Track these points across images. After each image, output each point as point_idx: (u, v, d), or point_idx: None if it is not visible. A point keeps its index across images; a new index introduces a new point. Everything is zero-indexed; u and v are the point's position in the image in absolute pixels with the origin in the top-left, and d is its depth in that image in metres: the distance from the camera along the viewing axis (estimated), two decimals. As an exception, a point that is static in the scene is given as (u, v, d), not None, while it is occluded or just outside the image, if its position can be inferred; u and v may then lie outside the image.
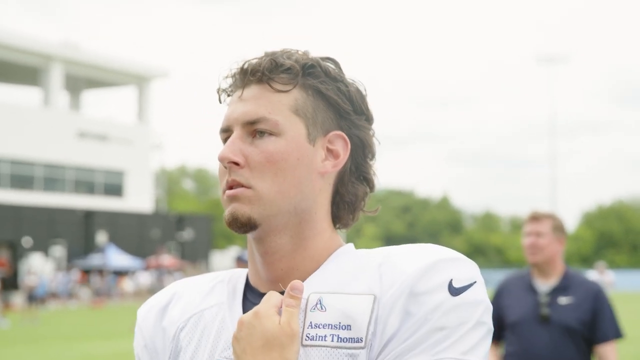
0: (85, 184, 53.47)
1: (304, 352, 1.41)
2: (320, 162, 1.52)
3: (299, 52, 1.56)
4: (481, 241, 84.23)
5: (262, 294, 1.48)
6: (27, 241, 46.03)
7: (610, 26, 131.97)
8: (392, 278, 1.41)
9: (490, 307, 1.44)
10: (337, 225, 1.57)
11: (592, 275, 24.31)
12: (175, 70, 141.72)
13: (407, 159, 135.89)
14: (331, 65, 1.56)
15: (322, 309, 1.43)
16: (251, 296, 1.54)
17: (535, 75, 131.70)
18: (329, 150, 1.53)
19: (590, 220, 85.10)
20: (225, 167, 1.50)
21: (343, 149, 1.53)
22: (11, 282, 30.41)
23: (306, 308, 1.44)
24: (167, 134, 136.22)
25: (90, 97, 68.63)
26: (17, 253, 45.52)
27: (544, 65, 55.70)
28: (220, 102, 1.60)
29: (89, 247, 49.73)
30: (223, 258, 56.87)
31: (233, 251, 56.43)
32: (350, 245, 1.56)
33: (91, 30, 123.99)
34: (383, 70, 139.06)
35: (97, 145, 53.20)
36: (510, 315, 4.62)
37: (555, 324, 4.48)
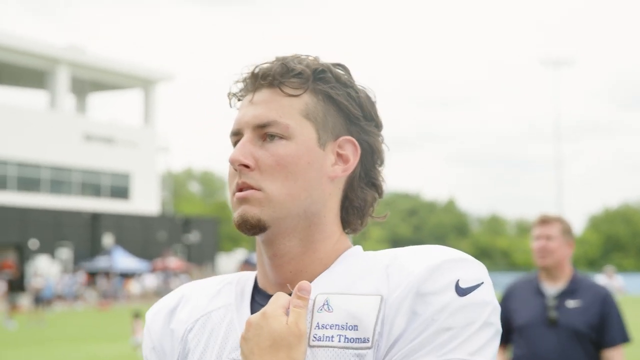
0: (91, 187, 53.56)
1: (311, 352, 1.41)
2: (330, 166, 1.53)
3: (310, 58, 1.57)
4: (487, 244, 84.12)
5: (270, 296, 1.49)
6: (33, 243, 46.13)
7: (614, 28, 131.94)
8: (399, 279, 1.42)
9: (499, 308, 1.44)
10: (346, 230, 1.58)
11: (601, 279, 24.23)
12: (181, 73, 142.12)
13: (413, 161, 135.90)
14: (341, 71, 1.57)
15: (329, 309, 1.43)
16: (259, 298, 1.55)
17: (540, 76, 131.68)
18: (339, 155, 1.54)
19: (597, 223, 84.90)
20: (236, 170, 1.51)
21: (353, 154, 1.54)
22: (18, 284, 30.45)
23: (313, 309, 1.44)
24: (173, 137, 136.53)
25: (96, 100, 68.93)
26: (23, 255, 45.62)
27: (548, 67, 55.58)
28: (231, 107, 1.61)
29: (95, 249, 49.81)
30: (229, 261, 56.91)
31: (240, 254, 56.53)
32: (358, 247, 1.57)
33: (97, 33, 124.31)
34: (388, 71, 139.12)
35: (103, 147, 53.30)
36: (517, 318, 4.61)
37: (563, 327, 4.48)
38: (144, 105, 58.56)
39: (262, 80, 1.54)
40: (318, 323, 1.43)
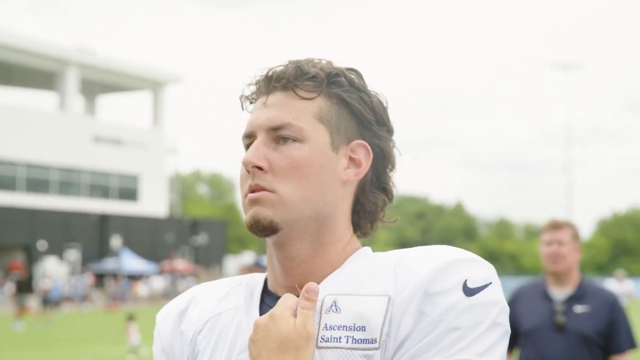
0: (100, 188, 53.67)
1: (319, 353, 1.41)
2: (343, 170, 1.53)
3: (323, 61, 1.57)
4: (495, 248, 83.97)
5: (279, 298, 1.48)
6: (42, 245, 46.24)
7: (624, 34, 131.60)
8: (406, 279, 1.41)
9: (507, 309, 1.43)
10: (357, 234, 1.58)
11: (611, 283, 24.13)
12: (190, 75, 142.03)
13: (421, 164, 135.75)
14: (355, 76, 1.57)
15: (337, 310, 1.43)
16: (268, 300, 1.55)
17: (550, 81, 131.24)
18: (351, 159, 1.54)
19: (606, 228, 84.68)
20: (248, 172, 1.51)
21: (365, 158, 1.54)
22: (26, 286, 30.49)
23: (321, 310, 1.44)
24: (182, 139, 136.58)
25: (106, 102, 68.96)
26: (32, 256, 45.73)
27: (559, 72, 55.51)
28: (243, 109, 1.61)
29: (104, 251, 49.90)
30: (237, 263, 56.93)
31: (244, 258, 56.57)
32: (367, 248, 1.57)
33: (107, 35, 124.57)
34: (397, 76, 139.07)
35: (112, 149, 53.41)
36: (525, 323, 4.61)
37: (571, 332, 4.47)
38: (153, 107, 58.67)
39: (276, 82, 1.54)
40: (326, 324, 1.43)
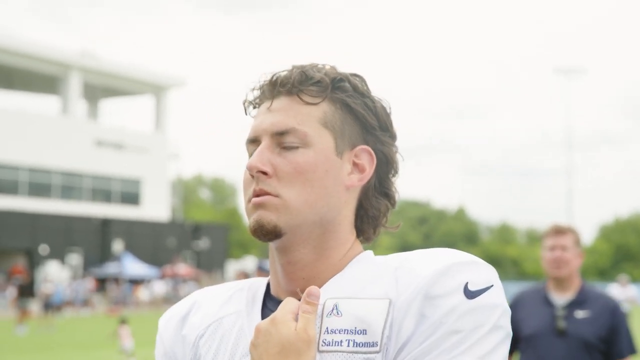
0: (102, 192, 53.68)
1: (321, 357, 1.42)
2: (347, 175, 1.53)
3: (327, 66, 1.58)
4: (497, 253, 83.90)
5: (281, 302, 1.48)
6: (43, 249, 46.24)
7: (627, 39, 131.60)
8: (407, 281, 1.42)
9: (509, 312, 1.43)
10: (360, 239, 1.59)
11: (614, 288, 24.10)
12: (193, 79, 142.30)
13: (423, 169, 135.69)
14: (359, 81, 1.58)
15: (338, 314, 1.43)
16: (270, 304, 1.55)
17: (552, 86, 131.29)
18: (355, 164, 1.55)
19: (607, 233, 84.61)
20: (253, 177, 1.51)
21: (369, 164, 1.55)
22: (28, 290, 30.50)
23: (322, 314, 1.45)
24: (184, 143, 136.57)
25: (108, 106, 68.96)
26: (33, 261, 45.73)
27: (561, 77, 55.51)
28: (246, 114, 1.61)
29: (105, 255, 49.89)
30: (239, 267, 56.87)
31: (249, 261, 56.50)
32: (369, 252, 1.57)
33: (109, 39, 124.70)
34: (400, 81, 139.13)
35: (114, 153, 53.43)
36: (525, 328, 4.60)
37: (572, 337, 4.47)
38: (155, 112, 58.70)
39: (280, 87, 1.54)
40: (327, 328, 1.43)
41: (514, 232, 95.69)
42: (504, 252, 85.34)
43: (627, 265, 77.85)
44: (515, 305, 4.73)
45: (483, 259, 1.48)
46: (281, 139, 1.51)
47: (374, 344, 1.39)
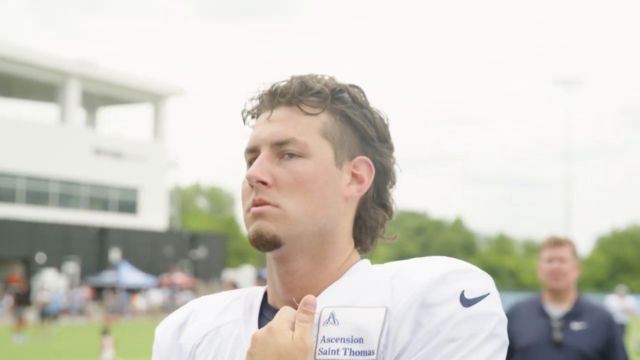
0: (99, 201, 53.66)
1: (317, 366, 1.42)
2: (346, 186, 1.54)
3: (326, 77, 1.58)
4: (495, 264, 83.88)
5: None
6: (41, 257, 46.18)
7: (625, 50, 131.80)
8: (403, 290, 1.42)
9: (505, 320, 1.43)
10: (357, 249, 1.59)
11: (612, 299, 24.10)
12: (191, 88, 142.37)
13: (421, 180, 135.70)
14: (357, 92, 1.58)
15: (334, 323, 1.43)
16: (267, 313, 1.56)
17: (550, 96, 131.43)
18: (354, 175, 1.55)
19: (605, 244, 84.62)
20: (252, 186, 1.51)
21: (368, 175, 1.56)
22: (24, 298, 30.47)
23: (319, 322, 1.45)
24: (182, 152, 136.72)
25: (107, 114, 68.93)
26: (30, 269, 45.65)
27: (560, 87, 55.58)
28: (245, 124, 1.62)
29: (103, 264, 49.83)
30: (236, 277, 56.80)
31: (247, 270, 56.43)
32: (365, 261, 1.58)
33: (108, 47, 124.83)
34: (398, 91, 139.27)
35: (112, 162, 53.43)
36: (521, 339, 4.61)
37: (569, 349, 4.48)
38: (154, 120, 58.72)
39: (280, 98, 1.55)
40: (324, 336, 1.43)
41: (512, 242, 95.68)
42: (501, 262, 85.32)
43: (624, 276, 77.81)
44: (511, 316, 4.73)
45: (480, 269, 1.48)
46: (281, 149, 1.51)
47: (370, 353, 1.39)
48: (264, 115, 1.57)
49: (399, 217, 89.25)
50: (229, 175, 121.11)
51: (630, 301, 24.85)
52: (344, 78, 1.61)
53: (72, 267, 48.45)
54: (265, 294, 1.61)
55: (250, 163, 1.57)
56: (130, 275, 47.54)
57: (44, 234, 47.21)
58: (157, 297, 45.85)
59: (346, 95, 1.56)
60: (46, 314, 30.82)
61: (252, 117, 1.61)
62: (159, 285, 48.84)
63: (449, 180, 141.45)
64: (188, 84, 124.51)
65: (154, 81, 58.06)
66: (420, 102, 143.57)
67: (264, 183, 1.50)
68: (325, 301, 1.47)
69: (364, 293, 1.46)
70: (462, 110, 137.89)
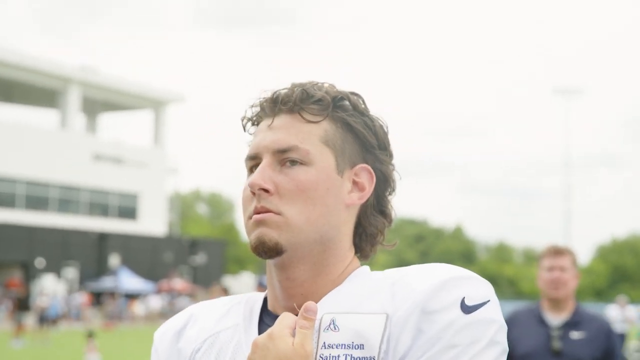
0: (99, 207, 53.66)
1: (318, 372, 1.42)
2: (347, 193, 1.54)
3: (326, 85, 1.59)
4: (494, 272, 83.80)
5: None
6: (40, 262, 46.15)
7: (626, 61, 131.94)
8: (404, 296, 1.42)
9: (505, 327, 1.44)
10: (357, 256, 1.59)
11: (613, 309, 24.10)
12: (192, 94, 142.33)
13: (421, 188, 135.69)
14: (358, 100, 1.59)
15: (335, 329, 1.44)
16: (267, 319, 1.56)
17: (550, 107, 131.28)
18: (355, 183, 1.56)
19: (605, 254, 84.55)
20: (254, 194, 1.51)
21: (368, 182, 1.56)
22: (23, 303, 30.44)
23: (319, 329, 1.45)
24: (182, 158, 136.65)
25: (107, 120, 69.16)
26: (29, 274, 45.63)
27: (560, 98, 55.60)
28: (245, 131, 1.62)
29: (102, 269, 49.81)
30: (235, 283, 56.82)
31: (246, 277, 56.43)
32: (365, 267, 1.58)
33: (108, 54, 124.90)
34: (397, 99, 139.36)
35: (112, 168, 53.45)
36: (520, 347, 4.61)
37: (568, 358, 4.48)
38: (154, 126, 58.77)
39: (282, 105, 1.55)
40: (324, 343, 1.43)
41: (511, 251, 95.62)
42: (500, 271, 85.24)
43: (624, 286, 77.74)
44: (509, 324, 4.71)
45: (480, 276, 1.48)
46: (282, 157, 1.52)
47: (371, 359, 1.40)
48: (265, 123, 1.57)
49: (399, 225, 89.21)
50: (229, 181, 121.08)
51: (630, 311, 24.81)
52: (344, 86, 1.61)
53: (71, 272, 48.43)
54: (265, 300, 1.61)
55: (251, 170, 1.57)
56: (129, 281, 47.52)
57: (44, 239, 47.20)
58: (156, 302, 45.82)
59: (347, 103, 1.57)
60: (45, 319, 30.77)
61: (253, 124, 1.61)
62: (158, 291, 48.80)
63: (449, 189, 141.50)
64: (188, 91, 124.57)
65: (154, 87, 58.13)
66: (422, 111, 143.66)
67: (266, 191, 1.50)
68: (325, 307, 1.47)
69: (364, 299, 1.46)
70: (462, 120, 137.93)
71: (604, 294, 73.20)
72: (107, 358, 22.19)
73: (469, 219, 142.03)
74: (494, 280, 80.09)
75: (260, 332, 1.53)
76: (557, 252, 4.64)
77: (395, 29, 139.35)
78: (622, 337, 18.88)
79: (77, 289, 46.57)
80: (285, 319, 1.44)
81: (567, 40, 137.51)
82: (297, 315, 1.46)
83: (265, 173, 1.51)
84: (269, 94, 1.58)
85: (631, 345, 19.88)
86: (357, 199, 1.55)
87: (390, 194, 1.61)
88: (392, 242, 1.64)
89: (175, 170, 62.26)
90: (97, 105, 57.69)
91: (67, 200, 51.71)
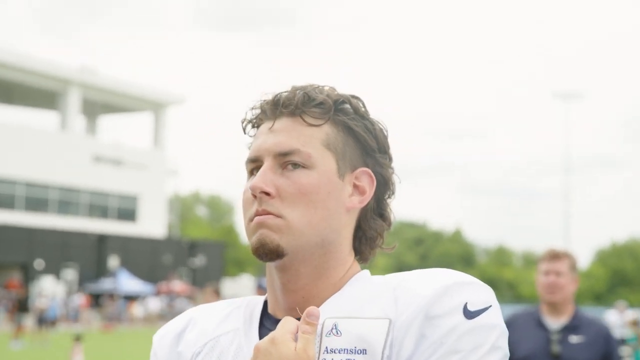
0: (99, 208, 53.66)
1: (320, 377, 1.42)
2: (348, 197, 1.54)
3: (327, 88, 1.59)
4: (493, 275, 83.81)
5: (279, 321, 1.48)
6: (39, 263, 46.14)
7: (626, 63, 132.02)
8: (407, 301, 1.43)
9: (506, 332, 1.45)
10: (357, 259, 1.60)
11: (612, 314, 24.11)
12: (192, 96, 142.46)
13: (420, 190, 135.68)
14: (358, 103, 1.59)
15: (337, 333, 1.44)
16: (268, 323, 1.56)
17: (550, 107, 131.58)
18: (356, 186, 1.56)
19: (604, 257, 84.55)
20: (255, 197, 1.51)
21: (369, 186, 1.56)
22: (22, 304, 30.43)
23: (322, 333, 1.45)
24: (182, 160, 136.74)
25: (107, 122, 69.16)
26: (28, 275, 45.61)
27: (560, 100, 55.58)
28: (245, 133, 1.62)
29: (101, 271, 49.80)
30: (235, 285, 56.81)
31: (245, 279, 56.42)
32: (366, 271, 1.58)
33: (108, 55, 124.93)
34: (399, 100, 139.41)
35: (112, 169, 53.46)
36: (518, 350, 4.61)
37: (567, 362, 4.49)
38: (154, 128, 58.78)
39: (283, 108, 1.55)
40: (327, 347, 1.43)
41: (511, 254, 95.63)
42: (500, 274, 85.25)
43: (623, 290, 77.74)
44: (508, 327, 4.72)
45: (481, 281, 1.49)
46: (284, 160, 1.52)
47: None
48: (266, 126, 1.57)
49: (398, 228, 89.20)
50: (229, 183, 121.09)
51: (630, 316, 24.83)
52: (343, 88, 1.61)
53: (70, 273, 48.43)
54: (265, 303, 1.61)
55: (251, 173, 1.57)
56: (128, 283, 47.49)
57: (43, 241, 47.20)
58: (155, 304, 45.81)
59: (348, 106, 1.57)
60: (44, 321, 30.76)
61: (253, 127, 1.61)
62: (157, 293, 48.79)
63: (448, 191, 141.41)
64: (188, 93, 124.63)
65: (154, 89, 58.14)
66: (421, 113, 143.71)
67: (268, 194, 1.50)
68: (327, 312, 1.47)
69: (366, 304, 1.46)
70: (462, 121, 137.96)
71: (603, 298, 73.18)
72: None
73: (469, 220, 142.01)
74: (493, 283, 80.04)
75: (260, 336, 1.53)
76: (553, 256, 4.64)
77: (395, 29, 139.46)
78: (620, 342, 18.87)
79: (76, 291, 46.55)
80: (287, 324, 1.43)
81: (567, 40, 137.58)
82: (298, 319, 1.45)
83: (266, 176, 1.51)
84: (269, 97, 1.58)
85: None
86: (358, 202, 1.55)
87: (389, 197, 1.61)
88: (392, 245, 1.65)
89: (174, 172, 62.31)
90: (97, 107, 57.70)
91: (67, 202, 51.72)
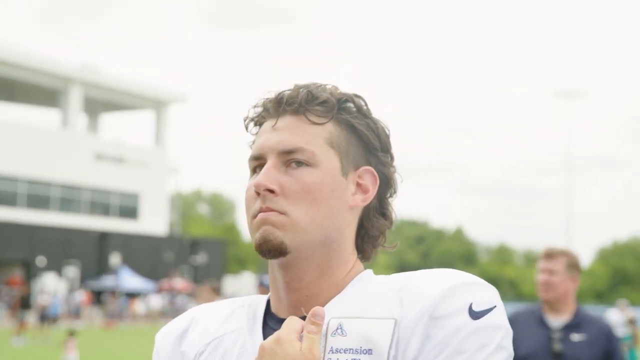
0: (100, 206, 53.70)
1: (326, 377, 1.42)
2: (351, 195, 1.54)
3: (329, 86, 1.59)
4: (495, 274, 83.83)
5: (282, 320, 1.49)
6: (41, 261, 46.19)
7: (627, 62, 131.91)
8: (412, 301, 1.43)
9: (511, 332, 1.45)
10: (359, 257, 1.59)
11: (613, 313, 24.10)
12: (193, 95, 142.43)
13: (422, 189, 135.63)
14: (362, 102, 1.59)
15: (342, 333, 1.44)
16: (271, 322, 1.55)
17: (550, 107, 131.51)
18: (359, 185, 1.56)
19: (606, 256, 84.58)
20: (259, 194, 1.51)
21: (372, 184, 1.56)
22: (24, 301, 30.47)
23: (327, 333, 1.45)
24: (183, 158, 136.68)
25: (108, 120, 69.21)
26: (30, 272, 45.66)
27: (561, 99, 55.58)
28: (247, 131, 1.62)
29: (103, 268, 49.86)
30: (236, 283, 56.84)
31: (246, 277, 56.46)
32: (369, 271, 1.58)
33: (110, 53, 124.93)
34: (399, 100, 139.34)
35: (113, 167, 53.48)
36: (520, 349, 4.61)
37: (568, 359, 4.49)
38: (156, 126, 58.80)
39: (287, 106, 1.54)
40: (332, 347, 1.43)
41: (512, 253, 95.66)
42: (501, 273, 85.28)
43: (625, 288, 77.77)
44: (510, 325, 4.73)
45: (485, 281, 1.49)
46: (288, 158, 1.52)
47: None
48: (269, 124, 1.57)
49: (400, 226, 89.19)
50: (230, 181, 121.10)
51: (631, 314, 24.81)
52: (344, 87, 1.62)
53: (72, 271, 48.49)
54: (268, 302, 1.60)
55: (254, 170, 1.57)
56: (130, 280, 47.56)
57: (45, 238, 47.25)
58: (156, 302, 45.85)
59: (351, 105, 1.57)
60: (45, 318, 30.79)
61: (255, 125, 1.61)
62: (159, 291, 48.85)
63: (448, 191, 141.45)
64: (190, 91, 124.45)
65: (155, 87, 58.15)
66: (419, 113, 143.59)
67: (272, 191, 1.49)
68: (331, 311, 1.47)
69: (370, 303, 1.46)
70: (462, 121, 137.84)
71: (604, 297, 73.19)
72: (108, 357, 22.22)
73: (469, 219, 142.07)
74: (494, 282, 79.93)
75: (264, 334, 1.53)
76: (548, 255, 4.65)
77: (395, 29, 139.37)
78: (621, 341, 18.88)
79: (77, 288, 46.60)
80: (292, 323, 1.43)
81: (567, 40, 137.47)
82: (301, 317, 1.46)
83: (270, 174, 1.51)
84: (272, 95, 1.58)
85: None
86: (361, 201, 1.55)
87: (391, 196, 1.61)
88: (393, 244, 1.65)
89: (176, 170, 62.29)
90: (98, 105, 57.72)
91: (69, 200, 51.76)
